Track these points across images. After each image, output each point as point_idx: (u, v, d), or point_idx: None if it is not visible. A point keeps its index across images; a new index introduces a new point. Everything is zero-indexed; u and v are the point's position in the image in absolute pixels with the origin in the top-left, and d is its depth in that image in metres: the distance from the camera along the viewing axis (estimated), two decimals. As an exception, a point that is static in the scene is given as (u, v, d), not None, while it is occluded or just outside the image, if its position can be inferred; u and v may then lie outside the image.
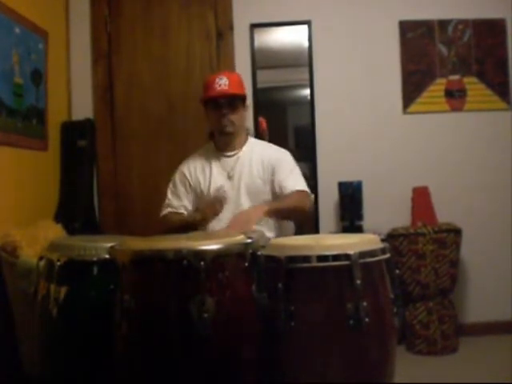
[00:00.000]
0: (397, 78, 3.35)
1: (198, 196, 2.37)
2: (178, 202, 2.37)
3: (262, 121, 3.30)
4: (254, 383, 1.43)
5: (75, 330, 1.56)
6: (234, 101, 2.30)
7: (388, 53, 3.35)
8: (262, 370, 1.42)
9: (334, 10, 3.35)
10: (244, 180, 2.31)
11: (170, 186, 2.41)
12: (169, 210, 2.37)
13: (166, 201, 2.39)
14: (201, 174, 2.37)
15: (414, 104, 3.35)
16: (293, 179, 2.30)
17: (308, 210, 2.34)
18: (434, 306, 3.02)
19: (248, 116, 2.84)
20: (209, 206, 2.28)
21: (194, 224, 2.26)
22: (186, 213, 2.37)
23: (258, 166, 2.33)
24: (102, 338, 1.47)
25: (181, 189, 2.38)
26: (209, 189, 2.33)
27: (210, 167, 2.36)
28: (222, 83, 2.26)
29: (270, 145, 2.49)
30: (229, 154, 2.37)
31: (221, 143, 2.39)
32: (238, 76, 2.43)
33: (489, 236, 3.27)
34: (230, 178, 2.32)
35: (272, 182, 2.31)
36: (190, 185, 2.37)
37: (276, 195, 2.30)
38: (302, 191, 2.30)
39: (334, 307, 1.41)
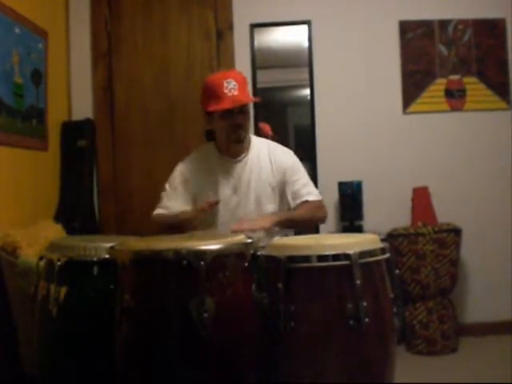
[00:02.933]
0: (397, 78, 3.35)
1: (200, 200, 2.19)
2: (174, 204, 2.19)
3: (265, 126, 3.25)
4: (253, 383, 1.43)
5: (75, 330, 1.56)
6: (247, 106, 2.17)
7: (388, 53, 3.35)
8: (262, 370, 1.42)
9: (334, 10, 3.35)
10: (252, 187, 2.19)
11: (167, 187, 2.23)
12: (161, 211, 2.21)
13: (161, 202, 2.22)
14: (205, 179, 2.20)
15: (414, 104, 3.35)
16: (307, 187, 2.21)
17: (324, 219, 2.27)
18: (433, 305, 3.03)
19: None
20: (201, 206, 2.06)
21: (184, 221, 2.10)
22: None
23: (268, 171, 2.21)
24: (102, 338, 1.47)
25: (179, 190, 2.21)
26: (216, 196, 2.17)
27: (216, 173, 2.20)
28: (232, 88, 2.07)
29: (275, 144, 2.34)
30: (235, 159, 2.21)
31: (230, 151, 2.21)
32: (242, 75, 2.21)
33: (489, 236, 3.27)
34: (236, 187, 2.19)
35: (282, 186, 2.21)
36: (190, 188, 2.21)
37: (286, 200, 2.21)
38: (318, 201, 2.22)
39: (333, 307, 1.41)
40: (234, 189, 2.19)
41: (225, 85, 2.07)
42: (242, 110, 2.12)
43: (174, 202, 2.20)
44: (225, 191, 2.18)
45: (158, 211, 2.21)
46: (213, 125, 2.20)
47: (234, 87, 2.07)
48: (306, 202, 2.18)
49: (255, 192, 2.19)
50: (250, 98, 2.19)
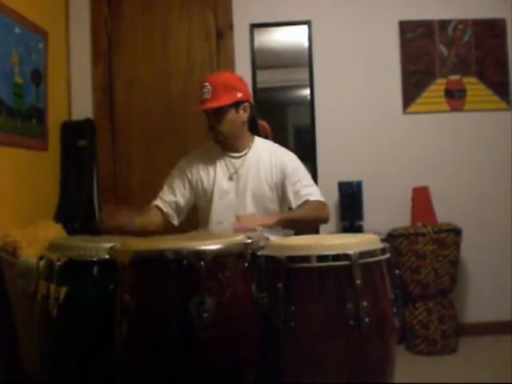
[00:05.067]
0: (397, 78, 3.35)
1: (199, 194, 2.30)
2: (171, 197, 2.29)
3: (264, 124, 3.26)
4: (253, 383, 1.43)
5: (75, 330, 1.56)
6: (220, 110, 2.18)
7: (388, 53, 3.35)
8: (262, 370, 1.42)
9: (334, 10, 3.35)
10: (250, 183, 2.25)
11: (168, 179, 2.33)
12: (158, 203, 2.30)
13: (160, 193, 2.32)
14: (204, 173, 2.29)
15: (414, 104, 3.35)
16: (308, 188, 2.24)
17: (326, 219, 2.28)
18: (433, 305, 3.03)
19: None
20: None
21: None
22: (172, 210, 2.29)
23: (266, 169, 2.26)
24: (102, 338, 1.47)
25: (178, 184, 2.30)
26: (213, 189, 2.26)
27: (215, 167, 2.29)
28: (206, 91, 2.15)
29: (277, 146, 2.39)
30: (235, 155, 2.30)
31: (223, 146, 2.31)
32: (225, 79, 2.26)
33: (489, 236, 3.27)
34: (234, 179, 2.26)
35: (281, 187, 2.25)
36: (190, 182, 2.30)
37: (285, 201, 2.25)
38: (320, 201, 2.24)
39: (333, 307, 1.41)
40: (231, 182, 2.27)
41: (203, 89, 2.18)
42: (216, 112, 2.19)
43: (169, 193, 2.30)
44: (222, 183, 2.27)
45: (154, 202, 2.32)
46: None
47: (208, 91, 2.16)
48: (307, 201, 2.21)
49: (252, 187, 2.25)
50: (216, 103, 2.15)
